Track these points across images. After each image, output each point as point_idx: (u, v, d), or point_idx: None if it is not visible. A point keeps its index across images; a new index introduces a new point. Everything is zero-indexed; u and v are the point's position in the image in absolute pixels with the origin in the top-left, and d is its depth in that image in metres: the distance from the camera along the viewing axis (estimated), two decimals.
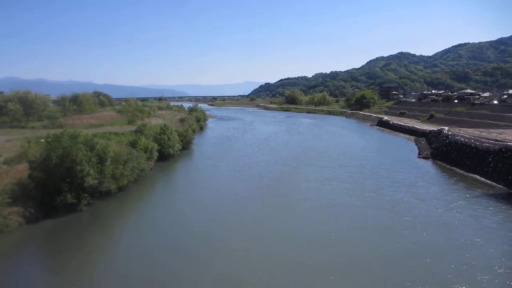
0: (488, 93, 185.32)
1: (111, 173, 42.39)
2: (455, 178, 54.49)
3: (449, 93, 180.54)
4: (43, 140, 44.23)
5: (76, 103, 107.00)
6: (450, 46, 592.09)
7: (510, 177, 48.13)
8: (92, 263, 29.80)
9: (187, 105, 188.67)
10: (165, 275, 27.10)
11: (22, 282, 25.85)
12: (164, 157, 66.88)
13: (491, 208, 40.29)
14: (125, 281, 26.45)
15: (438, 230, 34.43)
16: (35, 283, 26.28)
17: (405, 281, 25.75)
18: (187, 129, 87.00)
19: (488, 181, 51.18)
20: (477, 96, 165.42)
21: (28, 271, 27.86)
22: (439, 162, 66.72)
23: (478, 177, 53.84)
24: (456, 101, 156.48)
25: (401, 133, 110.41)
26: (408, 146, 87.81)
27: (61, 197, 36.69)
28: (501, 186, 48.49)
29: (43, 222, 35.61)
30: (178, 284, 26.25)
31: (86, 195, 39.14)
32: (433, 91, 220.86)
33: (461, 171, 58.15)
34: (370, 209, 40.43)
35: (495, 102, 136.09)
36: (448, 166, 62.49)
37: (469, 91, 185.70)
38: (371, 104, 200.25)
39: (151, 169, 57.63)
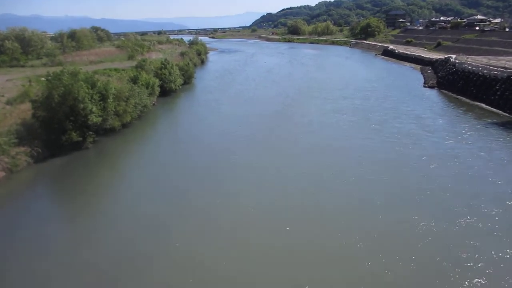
0: (500, 19, 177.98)
1: (114, 110, 42.27)
2: (460, 108, 53.96)
3: (458, 20, 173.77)
4: (43, 79, 43.64)
5: (74, 39, 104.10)
6: None
7: None
8: (101, 198, 30.59)
9: (187, 38, 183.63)
10: (170, 208, 27.82)
11: (35, 218, 26.70)
12: (166, 92, 66.37)
13: (500, 139, 39.62)
14: (133, 213, 27.23)
15: (446, 163, 33.82)
16: (47, 219, 27.13)
17: (411, 214, 25.26)
18: (188, 63, 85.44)
19: (494, 110, 50.69)
20: (487, 23, 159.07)
21: (40, 208, 28.69)
22: (444, 91, 65.84)
23: (484, 105, 53.28)
24: (465, 28, 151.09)
25: (406, 63, 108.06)
26: (413, 76, 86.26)
27: (66, 136, 36.90)
28: (507, 115, 48.10)
29: (51, 161, 36.16)
30: (183, 214, 26.96)
31: (90, 133, 39.35)
32: (441, 18, 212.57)
33: (467, 100, 57.51)
34: (375, 142, 40.10)
35: (507, 29, 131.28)
36: (454, 95, 61.73)
37: (479, 17, 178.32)
38: (377, 33, 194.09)
39: (154, 104, 57.40)
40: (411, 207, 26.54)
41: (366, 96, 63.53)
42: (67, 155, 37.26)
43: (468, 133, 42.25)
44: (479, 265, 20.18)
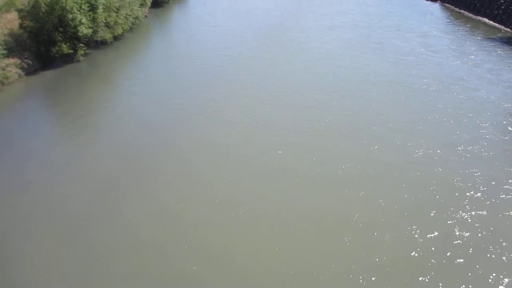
0: None
1: (105, 21, 40.62)
2: (464, 24, 52.22)
3: None
4: None
5: None
6: None
7: None
8: (94, 111, 30.62)
9: None
10: (166, 118, 28.19)
11: (28, 131, 26.93)
12: (158, 3, 63.31)
13: (501, 54, 38.86)
14: (126, 126, 27.64)
15: (450, 86, 32.61)
16: (41, 132, 27.31)
17: (408, 141, 24.93)
18: None
19: (497, 25, 49.32)
20: None
21: (33, 121, 28.77)
22: (447, 4, 63.40)
23: (486, 20, 51.73)
24: None
25: None
26: None
27: (56, 48, 35.85)
28: (509, 30, 46.91)
29: (42, 73, 35.55)
30: (178, 124, 27.45)
31: (81, 45, 38.26)
32: None
33: (470, 14, 55.66)
34: (376, 62, 38.85)
35: None
36: (457, 9, 59.58)
37: None
38: None
39: (146, 16, 55.08)
40: (410, 133, 25.91)
41: (367, 12, 60.74)
42: (59, 67, 36.59)
43: (474, 53, 40.86)
44: (475, 192, 20.70)
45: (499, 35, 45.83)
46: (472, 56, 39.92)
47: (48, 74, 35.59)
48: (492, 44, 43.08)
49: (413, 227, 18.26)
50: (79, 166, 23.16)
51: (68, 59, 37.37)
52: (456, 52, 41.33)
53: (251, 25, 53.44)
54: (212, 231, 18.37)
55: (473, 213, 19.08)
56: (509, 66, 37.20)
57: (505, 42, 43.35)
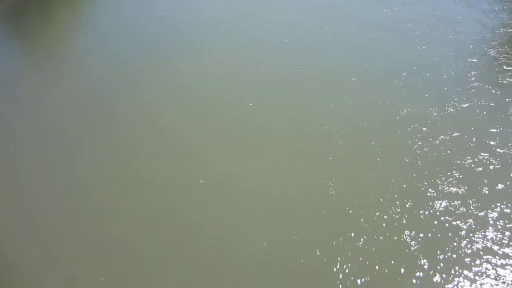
0: None
1: None
2: None
3: None
4: None
5: None
6: None
7: None
8: (64, 42, 29.53)
9: None
10: (135, 51, 27.10)
11: None
12: None
13: None
14: (93, 58, 26.83)
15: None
16: (5, 66, 26.93)
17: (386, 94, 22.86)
18: None
19: None
20: None
21: None
22: None
23: None
24: None
25: None
26: None
27: None
28: None
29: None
30: (150, 55, 26.78)
31: None
32: None
33: None
34: None
35: None
36: None
37: None
38: None
39: None
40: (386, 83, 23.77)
41: None
42: None
43: None
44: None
45: None
46: None
47: (7, 0, 33.95)
48: None
49: None
50: (42, 102, 23.00)
51: None
52: None
53: None
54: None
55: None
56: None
57: None
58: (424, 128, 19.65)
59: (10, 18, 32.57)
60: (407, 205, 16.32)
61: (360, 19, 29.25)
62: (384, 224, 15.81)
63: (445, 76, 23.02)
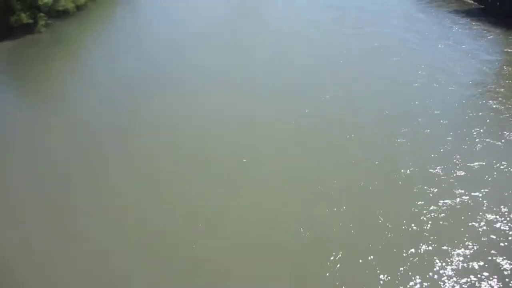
0: None
1: None
2: None
3: None
4: None
5: None
6: None
7: None
8: (60, 85, 29.95)
9: None
10: (126, 97, 27.42)
11: None
12: None
13: (464, 25, 38.50)
14: (87, 101, 27.12)
15: (406, 57, 32.16)
16: (4, 108, 26.78)
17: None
18: None
19: None
20: None
21: None
22: None
23: None
24: None
25: None
26: None
27: (15, 17, 34.56)
28: (472, 1, 47.88)
29: (0, 43, 34.22)
30: (139, 100, 27.00)
31: (42, 14, 36.89)
32: None
33: None
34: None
35: None
36: None
37: None
38: None
39: None
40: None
41: None
42: (18, 38, 35.36)
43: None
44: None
45: (459, 8, 45.86)
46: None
47: (7, 45, 34.39)
48: (448, 12, 42.79)
49: None
50: (35, 142, 22.91)
51: (29, 29, 36.08)
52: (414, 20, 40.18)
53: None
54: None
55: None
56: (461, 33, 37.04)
57: (462, 12, 43.32)
58: (429, 188, 19.02)
59: (8, 61, 32.82)
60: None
61: (359, 70, 29.63)
62: None
63: (447, 131, 22.72)
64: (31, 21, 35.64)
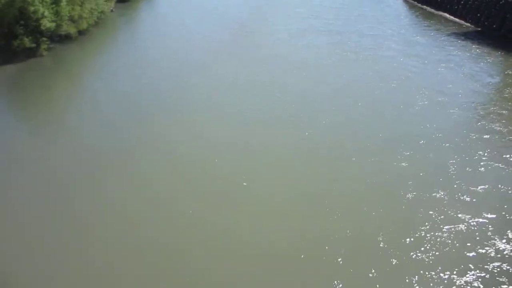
0: None
1: (68, 15, 39.67)
2: (426, 19, 53.42)
3: None
4: None
5: None
6: None
7: (478, 15, 48.06)
8: (62, 109, 30.03)
9: None
10: (126, 120, 27.65)
11: None
12: None
13: (463, 47, 39.55)
14: (88, 124, 27.24)
15: (406, 80, 32.52)
16: (7, 131, 26.60)
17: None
18: None
19: (457, 20, 51.04)
20: None
21: None
22: (410, 0, 65.05)
23: (447, 15, 53.43)
24: None
25: None
26: None
27: (18, 41, 34.79)
28: (469, 24, 48.68)
29: (2, 67, 34.32)
30: (140, 123, 27.15)
31: (44, 39, 37.13)
32: None
33: (431, 10, 57.28)
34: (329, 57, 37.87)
35: None
36: (419, 5, 61.16)
37: None
38: None
39: (112, 11, 53.99)
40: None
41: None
42: (21, 62, 35.44)
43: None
44: None
45: (461, 29, 46.90)
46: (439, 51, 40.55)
47: (10, 69, 34.45)
48: (447, 35, 44.24)
49: None
50: (36, 165, 22.84)
51: (31, 53, 36.23)
52: (413, 43, 41.59)
53: (220, 27, 50.05)
54: None
55: None
56: (458, 55, 37.96)
57: (459, 34, 44.36)
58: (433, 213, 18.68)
59: (10, 84, 32.87)
60: None
61: (359, 95, 29.76)
62: None
63: (450, 155, 22.52)
64: (33, 45, 35.79)
